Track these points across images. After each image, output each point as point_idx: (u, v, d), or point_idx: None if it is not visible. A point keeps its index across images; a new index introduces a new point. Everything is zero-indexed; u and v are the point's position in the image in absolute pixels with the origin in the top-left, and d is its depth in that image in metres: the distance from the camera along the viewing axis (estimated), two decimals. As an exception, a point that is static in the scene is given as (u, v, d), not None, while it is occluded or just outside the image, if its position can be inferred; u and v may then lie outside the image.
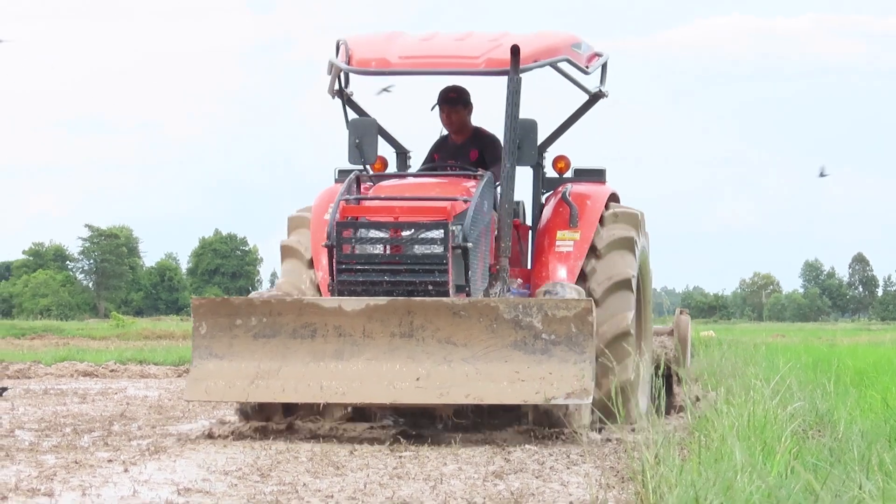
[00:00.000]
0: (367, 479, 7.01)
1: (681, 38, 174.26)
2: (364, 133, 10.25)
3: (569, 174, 11.03)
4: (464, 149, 10.68)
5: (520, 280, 10.41)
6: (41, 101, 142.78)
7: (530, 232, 10.93)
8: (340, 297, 9.18)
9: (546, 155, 11.08)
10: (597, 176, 11.10)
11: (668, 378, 11.17)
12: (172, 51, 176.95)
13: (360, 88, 10.91)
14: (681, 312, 12.04)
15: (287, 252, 10.66)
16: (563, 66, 10.50)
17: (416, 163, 11.30)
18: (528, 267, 10.74)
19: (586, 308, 8.84)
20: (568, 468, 7.70)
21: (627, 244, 10.54)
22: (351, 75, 10.53)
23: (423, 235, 9.26)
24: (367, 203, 9.67)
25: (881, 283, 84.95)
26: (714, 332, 28.60)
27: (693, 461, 5.98)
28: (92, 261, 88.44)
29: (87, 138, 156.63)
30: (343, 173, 10.86)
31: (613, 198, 11.01)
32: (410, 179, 10.50)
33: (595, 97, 10.95)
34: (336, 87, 10.47)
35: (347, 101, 10.63)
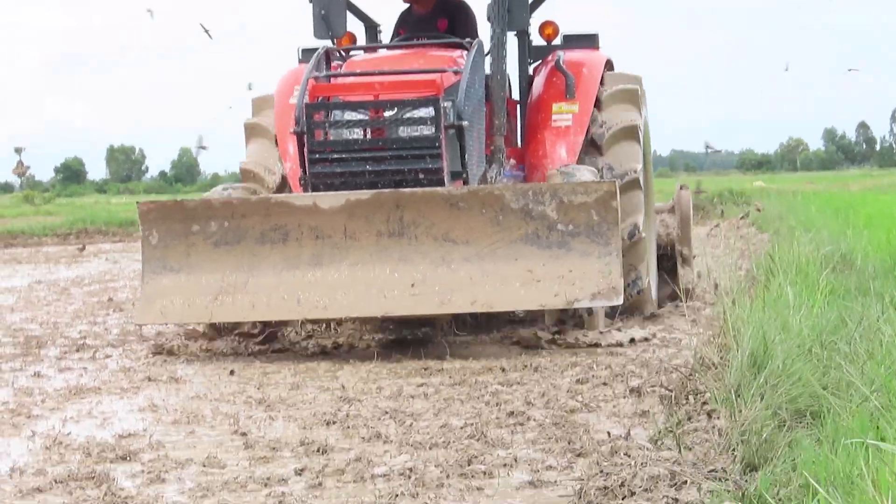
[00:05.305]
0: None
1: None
2: (330, 3, 8.95)
3: (557, 41, 9.79)
4: (431, 19, 9.48)
5: (512, 161, 9.13)
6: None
7: (517, 106, 9.60)
8: (315, 193, 7.76)
9: (531, 20, 9.59)
10: (589, 42, 9.76)
11: (669, 259, 10.33)
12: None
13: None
14: (681, 188, 10.97)
15: (252, 131, 9.36)
16: None
17: (386, 38, 10.05)
18: (519, 145, 9.46)
19: (609, 191, 7.44)
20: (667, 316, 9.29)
21: (631, 96, 9.39)
22: None
23: (409, 115, 7.89)
24: (340, 80, 8.32)
25: (878, 141, 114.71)
26: (763, 182, 32.88)
27: (759, 303, 6.62)
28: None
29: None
30: (308, 52, 9.66)
31: (608, 66, 9.73)
32: (386, 52, 9.17)
33: None
34: None
35: None
